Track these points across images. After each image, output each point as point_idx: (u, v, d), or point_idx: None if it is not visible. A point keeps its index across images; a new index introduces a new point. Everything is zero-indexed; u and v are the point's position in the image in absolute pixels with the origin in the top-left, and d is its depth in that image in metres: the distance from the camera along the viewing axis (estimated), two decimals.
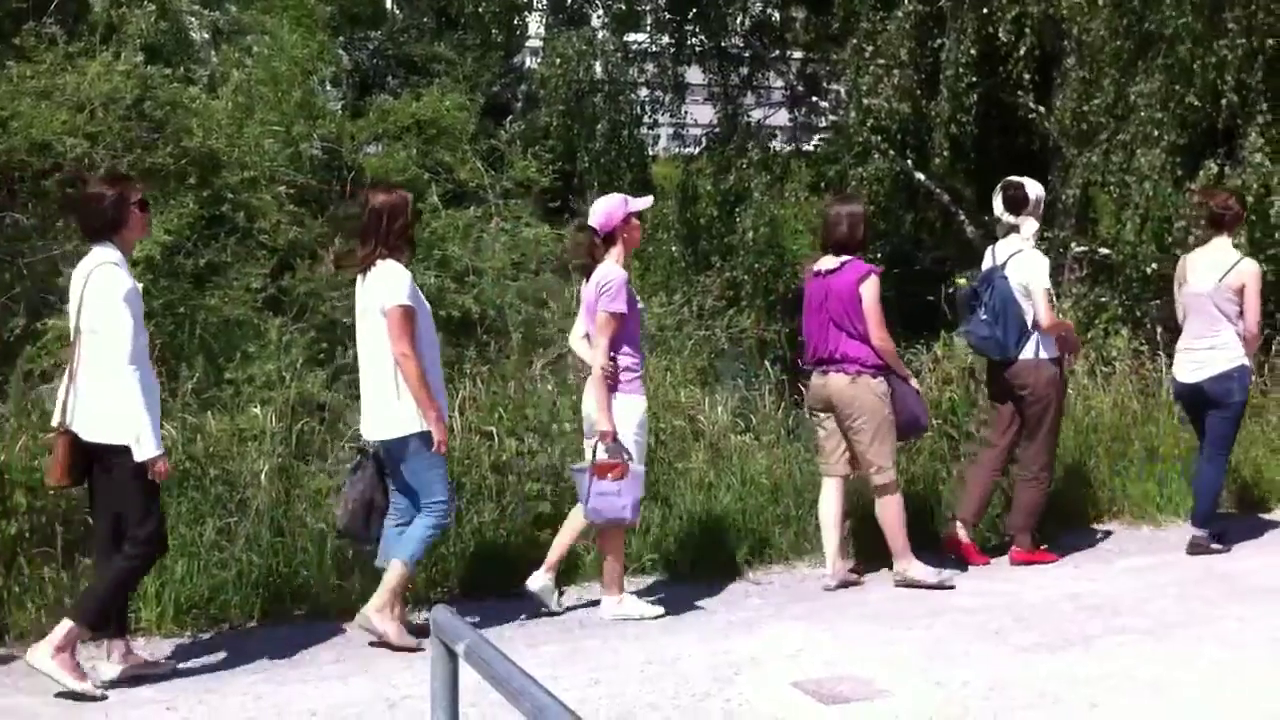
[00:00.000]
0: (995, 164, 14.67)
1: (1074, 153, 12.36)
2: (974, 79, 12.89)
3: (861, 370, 6.68)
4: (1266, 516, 8.48)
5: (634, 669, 5.59)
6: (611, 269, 6.22)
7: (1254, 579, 7.05)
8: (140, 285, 5.86)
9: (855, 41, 13.63)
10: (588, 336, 6.35)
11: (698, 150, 17.96)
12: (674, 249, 16.55)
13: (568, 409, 7.62)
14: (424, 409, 5.68)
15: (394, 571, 5.79)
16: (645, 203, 6.60)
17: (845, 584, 6.89)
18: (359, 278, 5.93)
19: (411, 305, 5.74)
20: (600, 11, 16.75)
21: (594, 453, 6.13)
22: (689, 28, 16.94)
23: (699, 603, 6.59)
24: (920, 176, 14.06)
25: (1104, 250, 12.84)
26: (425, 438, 5.73)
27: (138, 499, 5.30)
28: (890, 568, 6.99)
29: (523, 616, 6.32)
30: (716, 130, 17.30)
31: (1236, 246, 7.72)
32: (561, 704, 2.44)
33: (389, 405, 5.75)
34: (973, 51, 12.79)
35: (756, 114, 17.51)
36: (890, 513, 6.81)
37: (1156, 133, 11.50)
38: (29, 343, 7.56)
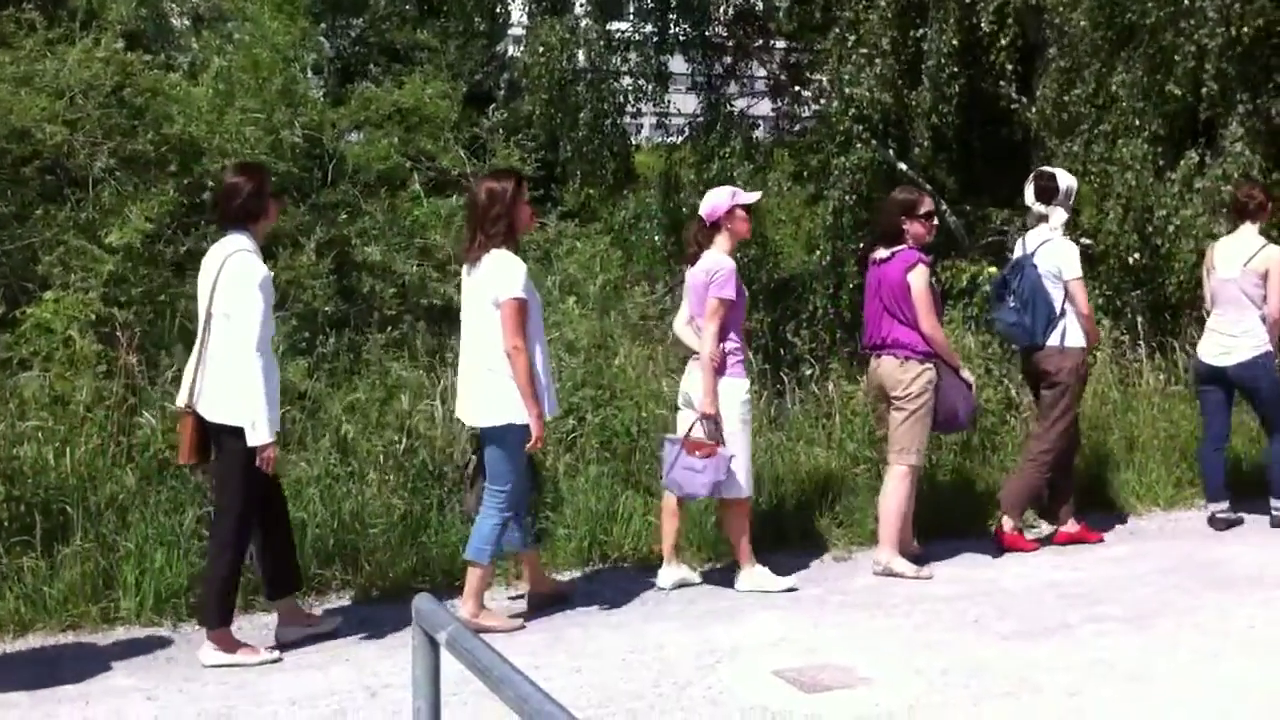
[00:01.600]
0: (977, 154, 14.72)
1: (1055, 143, 12.36)
2: (956, 69, 12.89)
3: (911, 356, 6.80)
4: (1244, 505, 8.51)
5: (615, 657, 5.60)
6: (720, 258, 6.47)
7: (1232, 567, 7.09)
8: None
9: (837, 31, 13.60)
10: (691, 320, 6.57)
11: (680, 139, 17.93)
12: (656, 238, 16.54)
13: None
14: (526, 403, 5.77)
15: (474, 575, 5.95)
16: (752, 197, 6.76)
17: (892, 574, 6.92)
18: (465, 268, 6.02)
19: (525, 298, 5.79)
20: None
21: (690, 428, 6.39)
22: (672, 16, 16.89)
23: (680, 590, 6.60)
24: (902, 166, 14.05)
25: (1086, 240, 12.86)
26: (519, 430, 5.82)
27: (238, 483, 5.47)
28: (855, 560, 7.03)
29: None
30: (699, 119, 17.26)
31: (1263, 234, 7.87)
32: (543, 693, 2.44)
33: (491, 393, 5.83)
34: (954, 41, 12.79)
35: (739, 103, 17.47)
36: (896, 499, 6.89)
37: (1138, 123, 11.52)
38: (7, 331, 7.52)
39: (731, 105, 17.00)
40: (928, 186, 14.26)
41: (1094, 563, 7.22)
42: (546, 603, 6.27)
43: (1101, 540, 7.62)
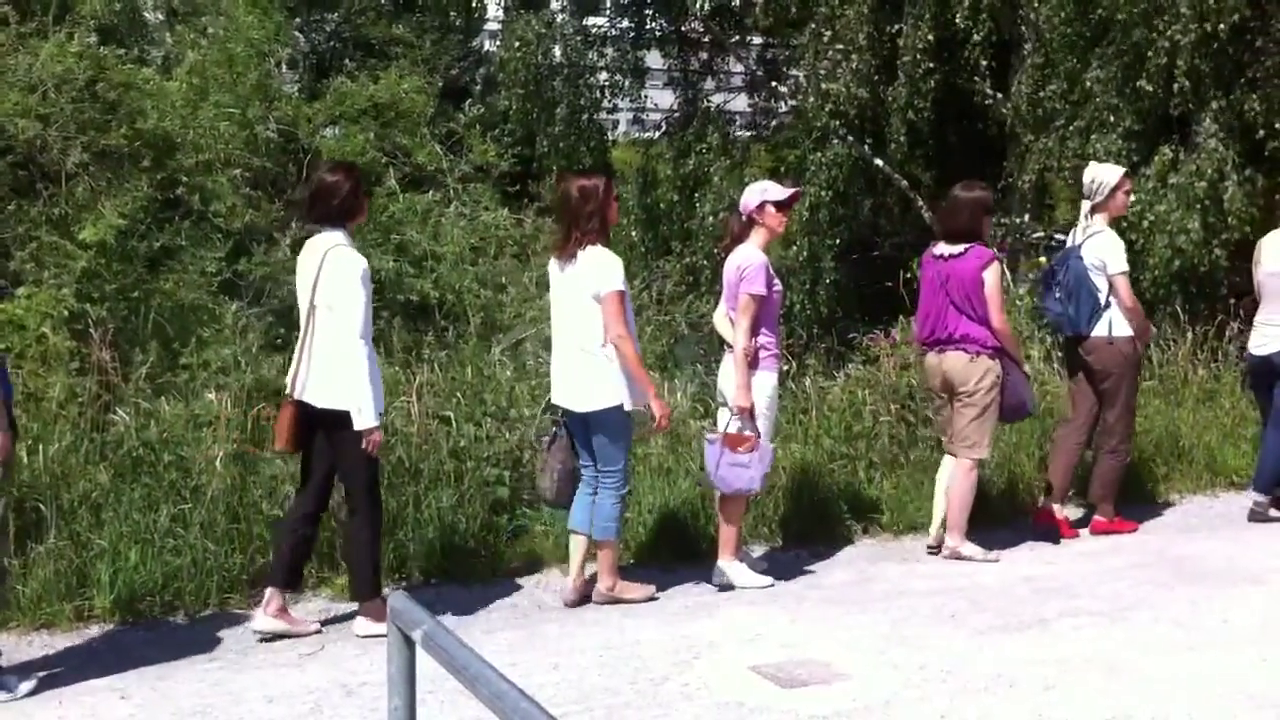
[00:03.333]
0: (952, 149, 14.76)
1: (1030, 138, 12.43)
2: (931, 65, 12.95)
3: (981, 351, 6.93)
4: (1219, 500, 8.57)
5: (592, 654, 5.59)
6: (752, 253, 6.54)
7: (1206, 562, 7.13)
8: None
9: (814, 26, 13.64)
10: (728, 314, 6.67)
11: (657, 135, 17.96)
12: (634, 234, 16.55)
13: (525, 394, 7.62)
14: (643, 386, 6.10)
15: (606, 551, 6.26)
16: (781, 193, 6.73)
17: (963, 558, 7.10)
18: (556, 261, 6.24)
19: (625, 290, 6.10)
20: None
21: (727, 425, 6.48)
22: (649, 12, 16.92)
23: (658, 587, 6.60)
24: (878, 162, 14.09)
25: (1060, 235, 12.92)
26: (623, 412, 6.12)
27: (359, 462, 5.71)
28: (824, 552, 7.05)
29: (480, 602, 6.31)
30: (676, 115, 17.29)
31: None
32: (519, 690, 2.43)
33: (594, 380, 6.07)
34: (930, 38, 12.84)
35: (716, 99, 17.50)
36: (964, 487, 7.03)
37: (1112, 118, 11.59)
38: None
39: (708, 101, 17.03)
40: (903, 182, 14.32)
41: (1069, 557, 7.25)
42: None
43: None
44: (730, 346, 6.59)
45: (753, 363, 6.48)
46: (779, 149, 17.16)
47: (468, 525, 6.77)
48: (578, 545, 6.32)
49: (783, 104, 17.69)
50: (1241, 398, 9.31)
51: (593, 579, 6.38)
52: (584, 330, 6.09)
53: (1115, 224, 7.68)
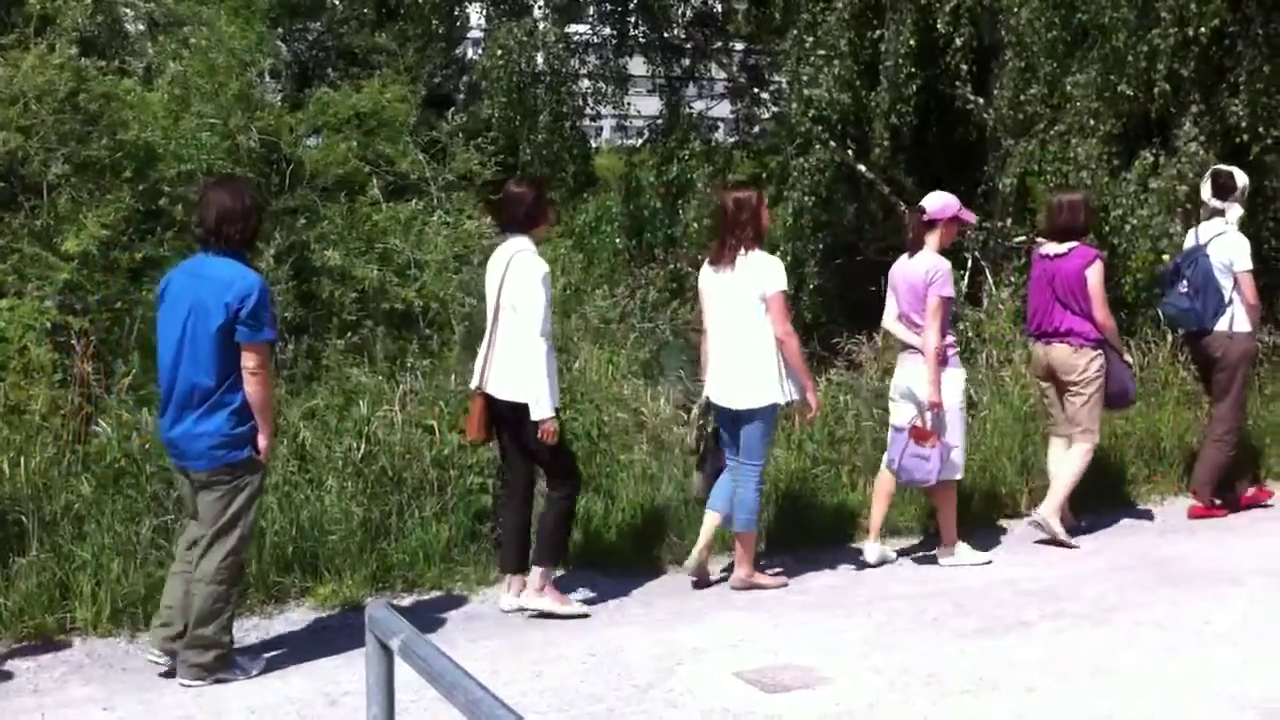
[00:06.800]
0: (934, 154, 14.79)
1: (1011, 143, 12.45)
2: (913, 70, 12.96)
3: (1084, 343, 7.45)
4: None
5: (576, 661, 5.61)
6: (938, 258, 6.97)
7: (1186, 564, 7.17)
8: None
9: (795, 33, 13.64)
10: (900, 316, 7.03)
11: (640, 142, 17.94)
12: (617, 241, 16.55)
13: None
14: (805, 381, 6.62)
15: (746, 540, 6.67)
16: (971, 218, 7.39)
17: (1046, 531, 7.52)
18: (710, 269, 6.69)
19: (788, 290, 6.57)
20: (541, 2, 16.68)
21: (914, 418, 6.88)
22: (631, 19, 16.91)
23: (642, 593, 6.61)
24: (861, 167, 14.11)
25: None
26: (776, 409, 6.57)
27: (546, 445, 6.08)
28: (815, 560, 7.08)
29: (464, 611, 6.32)
30: (659, 122, 17.28)
31: None
32: (495, 697, 2.44)
33: (754, 378, 6.49)
34: (911, 43, 12.85)
35: (699, 105, 17.50)
36: (1074, 470, 7.54)
37: (1093, 122, 11.61)
38: None
39: (691, 107, 17.03)
40: (886, 188, 14.36)
41: (1051, 560, 7.28)
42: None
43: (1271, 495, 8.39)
44: (910, 348, 6.94)
45: (941, 361, 6.80)
46: (762, 155, 17.15)
47: (451, 534, 6.78)
48: (710, 522, 6.72)
49: (765, 110, 17.70)
50: None
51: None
52: (750, 329, 6.47)
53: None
